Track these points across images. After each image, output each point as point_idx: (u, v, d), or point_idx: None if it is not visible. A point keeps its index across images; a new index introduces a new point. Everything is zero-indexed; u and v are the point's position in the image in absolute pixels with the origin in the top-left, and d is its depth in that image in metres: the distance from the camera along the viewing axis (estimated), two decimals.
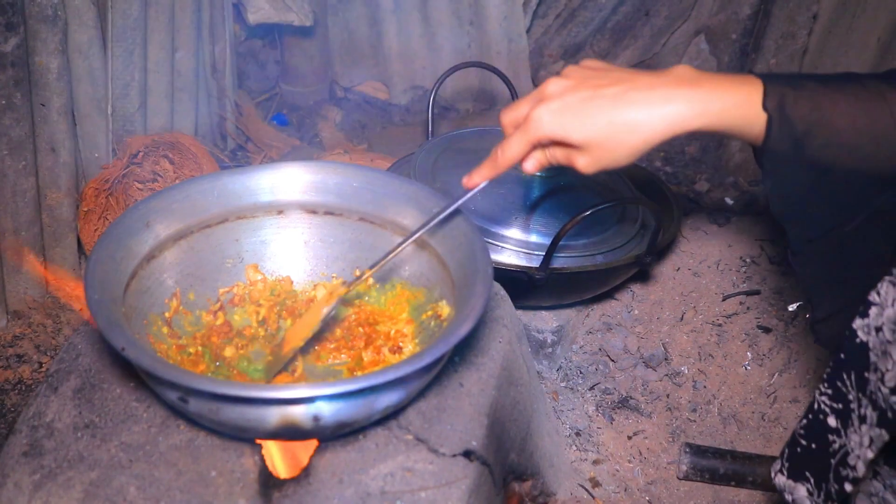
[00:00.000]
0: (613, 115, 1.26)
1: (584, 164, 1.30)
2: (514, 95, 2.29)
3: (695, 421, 1.97)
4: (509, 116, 1.37)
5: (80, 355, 1.48)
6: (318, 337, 1.50)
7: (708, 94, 1.24)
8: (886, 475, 1.38)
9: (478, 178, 1.41)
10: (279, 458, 1.32)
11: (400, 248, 1.42)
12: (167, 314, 1.48)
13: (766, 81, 1.26)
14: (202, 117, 2.54)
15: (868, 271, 1.32)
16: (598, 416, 1.97)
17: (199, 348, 1.46)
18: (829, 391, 1.34)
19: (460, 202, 1.43)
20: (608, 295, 2.18)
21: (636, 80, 1.27)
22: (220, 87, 2.67)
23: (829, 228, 1.35)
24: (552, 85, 1.30)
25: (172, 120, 2.38)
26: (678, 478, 1.87)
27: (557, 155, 1.33)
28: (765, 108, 1.25)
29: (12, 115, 1.93)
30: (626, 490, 1.84)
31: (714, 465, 1.84)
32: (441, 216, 1.43)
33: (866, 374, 1.25)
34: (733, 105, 1.24)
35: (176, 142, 2.20)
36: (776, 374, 2.03)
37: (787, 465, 1.42)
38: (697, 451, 1.85)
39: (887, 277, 1.22)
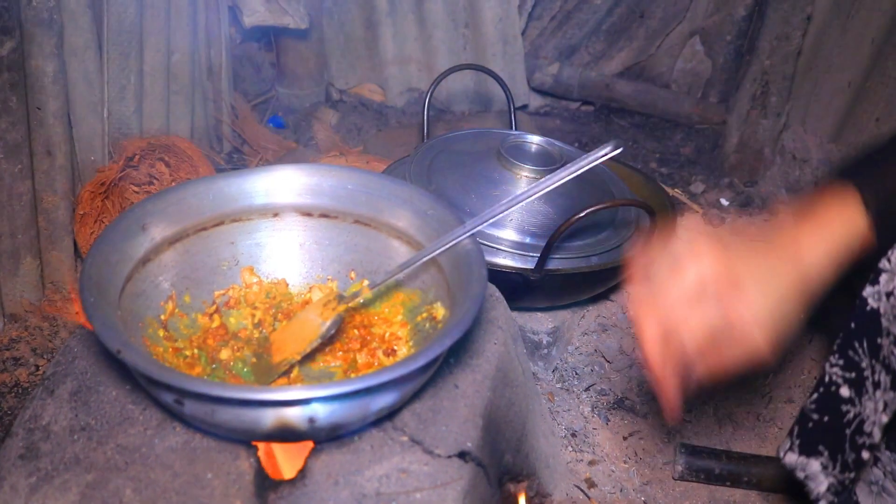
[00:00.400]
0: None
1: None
2: (509, 97, 2.30)
3: (690, 421, 1.98)
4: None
5: (76, 358, 1.48)
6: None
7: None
8: (888, 461, 1.39)
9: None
10: (275, 460, 1.33)
11: (403, 270, 1.43)
12: (163, 317, 1.49)
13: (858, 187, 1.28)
14: (198, 120, 2.55)
15: None
16: (593, 416, 1.98)
17: (195, 351, 1.47)
18: (841, 361, 1.36)
19: (474, 229, 1.41)
20: (603, 296, 2.18)
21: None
22: (216, 89, 2.67)
23: None
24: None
25: (168, 123, 2.38)
26: (674, 478, 1.87)
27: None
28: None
29: (8, 119, 1.93)
30: (621, 490, 1.85)
31: (709, 465, 1.85)
32: (453, 241, 1.42)
33: (879, 340, 1.27)
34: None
35: (172, 145, 2.20)
36: (771, 375, 2.04)
37: (797, 441, 1.43)
38: (693, 451, 1.86)
39: None
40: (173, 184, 2.10)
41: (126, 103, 2.22)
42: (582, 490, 1.83)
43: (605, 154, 1.35)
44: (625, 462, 1.90)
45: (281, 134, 2.92)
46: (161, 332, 1.47)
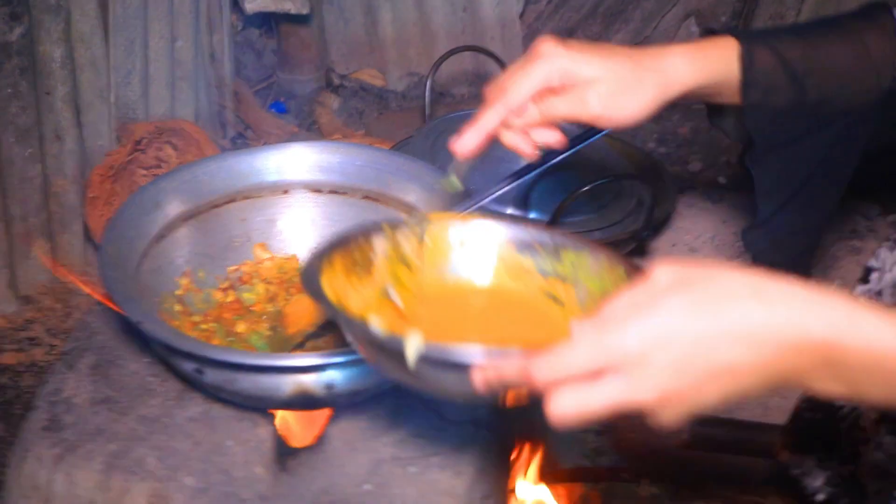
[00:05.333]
0: (634, 56, 1.22)
1: (596, 97, 1.19)
2: None
3: None
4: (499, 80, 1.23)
5: (94, 333, 1.51)
6: None
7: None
8: (889, 446, 1.41)
9: (474, 137, 1.21)
10: (293, 427, 1.36)
11: None
12: (178, 292, 1.52)
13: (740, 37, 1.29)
14: (202, 105, 2.57)
15: (815, 180, 1.36)
16: None
17: (212, 325, 1.50)
18: None
19: (480, 203, 1.37)
20: None
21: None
22: (219, 75, 2.69)
23: (793, 140, 1.37)
24: (544, 40, 1.21)
25: (173, 108, 2.41)
26: (680, 446, 1.90)
27: (560, 107, 1.20)
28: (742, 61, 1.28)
29: (18, 104, 1.96)
30: (629, 459, 1.88)
31: (715, 433, 1.87)
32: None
33: None
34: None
35: (179, 128, 2.23)
36: None
37: (791, 440, 1.45)
38: (698, 419, 1.88)
39: (885, 243, 1.26)
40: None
41: (132, 88, 2.24)
42: (591, 459, 1.86)
43: (601, 132, 1.37)
44: (632, 432, 1.93)
45: (283, 119, 2.94)
46: (177, 307, 1.50)
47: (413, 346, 0.94)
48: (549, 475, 1.76)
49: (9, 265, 2.06)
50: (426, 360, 0.94)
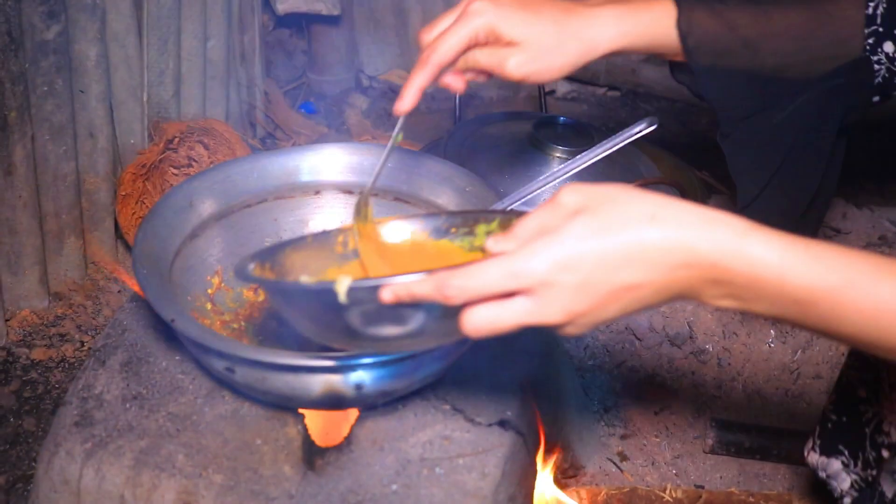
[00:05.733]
0: (560, 18, 1.26)
1: (515, 64, 1.25)
2: None
3: (720, 397, 2.01)
4: (431, 30, 1.29)
5: (125, 331, 1.53)
6: None
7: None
8: None
9: (411, 95, 1.28)
10: (322, 427, 1.37)
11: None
12: (210, 291, 1.53)
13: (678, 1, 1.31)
14: (232, 105, 2.59)
15: (792, 157, 1.36)
16: (625, 392, 2.01)
17: (242, 324, 1.51)
18: (857, 363, 1.37)
19: (511, 205, 1.41)
20: None
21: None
22: (250, 75, 2.71)
23: (758, 110, 1.37)
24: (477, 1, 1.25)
25: (205, 107, 2.43)
26: (704, 451, 1.90)
27: (481, 59, 1.26)
28: (678, 26, 1.30)
29: (54, 101, 1.98)
30: (653, 464, 1.88)
31: (739, 438, 1.88)
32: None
33: None
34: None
35: (210, 128, 2.24)
36: (799, 352, 2.06)
37: (818, 442, 1.45)
38: (723, 425, 1.89)
39: None
40: (211, 166, 2.14)
41: (165, 87, 2.26)
42: (615, 463, 1.87)
43: (640, 131, 1.37)
44: (656, 436, 1.94)
45: (312, 119, 2.95)
46: (209, 306, 1.51)
47: (343, 285, 0.97)
48: (572, 477, 1.78)
49: (41, 261, 2.08)
50: (356, 296, 0.97)
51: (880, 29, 1.29)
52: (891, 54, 1.29)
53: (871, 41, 1.29)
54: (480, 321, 0.93)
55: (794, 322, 0.94)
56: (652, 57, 3.37)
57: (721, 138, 1.42)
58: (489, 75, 1.30)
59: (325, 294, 0.97)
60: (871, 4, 1.29)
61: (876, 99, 1.35)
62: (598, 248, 0.90)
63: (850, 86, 1.33)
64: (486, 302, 0.92)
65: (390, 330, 1.01)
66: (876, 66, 1.30)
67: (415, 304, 0.96)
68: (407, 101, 1.28)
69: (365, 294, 0.96)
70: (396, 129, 1.34)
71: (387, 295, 0.94)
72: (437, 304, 0.94)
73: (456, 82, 1.29)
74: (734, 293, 0.92)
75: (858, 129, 1.46)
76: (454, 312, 0.94)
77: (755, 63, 1.33)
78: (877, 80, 1.31)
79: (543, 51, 1.25)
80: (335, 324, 1.02)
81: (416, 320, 0.99)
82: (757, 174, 1.44)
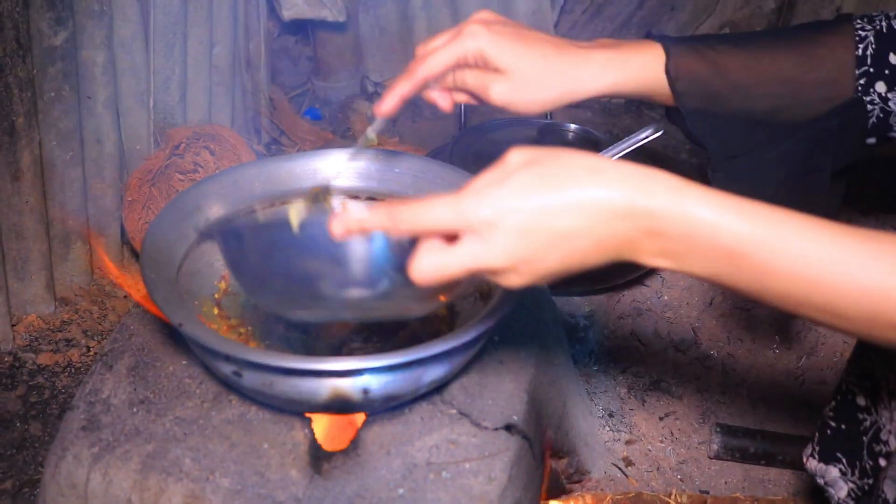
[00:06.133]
0: (550, 55, 1.27)
1: (497, 91, 1.27)
2: None
3: (725, 402, 2.01)
4: (426, 45, 1.33)
5: (132, 335, 1.53)
6: None
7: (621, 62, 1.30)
8: None
9: (391, 100, 1.31)
10: (328, 431, 1.37)
11: None
12: (217, 295, 1.54)
13: (667, 46, 1.32)
14: (238, 111, 2.59)
15: (783, 195, 1.37)
16: (630, 398, 2.02)
17: (249, 328, 1.52)
18: (857, 371, 1.38)
19: None
20: (638, 281, 2.22)
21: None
22: (255, 82, 2.72)
23: (750, 150, 1.37)
24: (482, 13, 1.29)
25: (210, 114, 2.43)
26: (709, 457, 1.91)
27: (468, 80, 1.29)
28: (667, 72, 1.31)
29: (61, 107, 1.99)
30: (658, 469, 1.89)
31: (744, 444, 1.88)
32: None
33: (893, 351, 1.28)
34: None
35: (216, 133, 2.25)
36: (804, 357, 2.07)
37: (817, 448, 1.46)
38: (728, 430, 1.89)
39: None
40: (218, 171, 2.15)
41: (171, 94, 2.27)
42: (620, 468, 1.87)
43: (646, 137, 1.38)
44: (661, 441, 1.94)
45: (318, 125, 2.96)
46: (215, 311, 1.51)
47: (296, 211, 1.00)
48: (577, 483, 1.78)
49: (47, 267, 2.09)
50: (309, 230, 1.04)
51: (871, 69, 1.29)
52: (883, 94, 1.29)
53: (862, 82, 1.30)
54: (427, 266, 0.97)
55: (728, 284, 0.96)
56: None
57: (712, 174, 1.42)
58: (478, 99, 1.33)
59: (278, 229, 1.00)
60: (861, 46, 1.29)
61: (872, 141, 1.35)
62: (541, 195, 0.94)
63: (844, 127, 1.33)
64: (429, 239, 0.98)
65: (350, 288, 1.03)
66: (869, 107, 1.30)
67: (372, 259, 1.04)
68: (386, 105, 1.31)
69: (317, 228, 0.98)
70: (369, 130, 1.37)
71: (337, 227, 1.00)
72: (388, 261, 1.03)
73: (442, 100, 1.33)
74: (669, 248, 0.95)
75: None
76: (401, 268, 1.00)
77: (746, 106, 1.34)
78: (871, 121, 1.31)
79: (527, 83, 1.27)
80: (295, 274, 1.03)
81: (370, 275, 1.06)
82: None
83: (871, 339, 0.97)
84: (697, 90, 1.31)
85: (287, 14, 2.77)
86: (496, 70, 1.27)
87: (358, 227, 1.01)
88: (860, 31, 1.30)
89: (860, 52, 1.29)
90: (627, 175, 0.94)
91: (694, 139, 1.38)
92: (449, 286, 1.04)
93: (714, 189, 0.95)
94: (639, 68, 1.31)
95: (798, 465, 1.85)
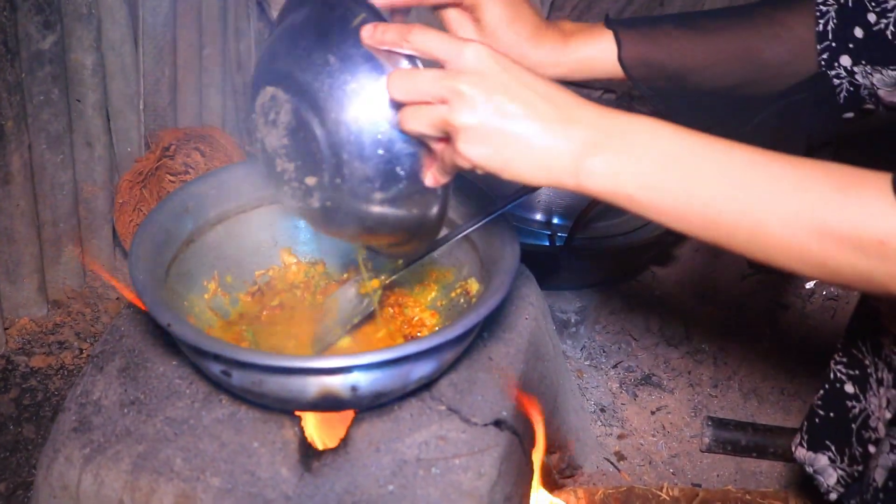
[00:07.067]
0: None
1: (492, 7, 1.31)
2: None
3: (716, 396, 2.02)
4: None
5: (123, 337, 1.53)
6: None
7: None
8: None
9: None
10: (318, 429, 1.38)
11: (439, 247, 1.46)
12: (207, 296, 1.54)
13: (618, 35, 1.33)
14: (229, 112, 2.59)
15: None
16: (621, 392, 2.02)
17: (243, 327, 1.52)
18: (845, 359, 1.39)
19: (506, 207, 1.43)
20: (630, 276, 2.22)
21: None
22: (245, 83, 2.72)
23: (719, 123, 1.38)
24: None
25: (201, 115, 2.43)
26: (701, 450, 1.91)
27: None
28: (620, 60, 1.33)
29: (50, 111, 1.99)
30: (650, 463, 1.89)
31: (736, 437, 1.89)
32: (487, 219, 1.43)
33: (880, 339, 1.29)
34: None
35: (207, 134, 2.25)
36: (794, 350, 2.08)
37: (806, 437, 1.47)
38: (719, 423, 1.90)
39: None
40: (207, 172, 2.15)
41: (161, 95, 2.27)
42: (612, 463, 1.88)
43: None
44: (653, 435, 1.95)
45: None
46: (206, 311, 1.52)
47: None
48: (569, 477, 1.78)
49: (39, 270, 2.09)
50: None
51: (833, 44, 1.29)
52: (849, 67, 1.29)
53: (825, 56, 1.30)
54: (402, 73, 1.10)
55: (656, 193, 1.01)
56: None
57: None
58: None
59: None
60: (822, 21, 1.29)
61: (849, 115, 1.35)
62: (514, 71, 1.06)
63: (813, 100, 1.33)
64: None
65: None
66: (836, 81, 1.30)
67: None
68: None
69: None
70: None
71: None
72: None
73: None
74: (607, 148, 1.02)
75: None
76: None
77: (706, 84, 1.35)
78: (842, 95, 1.31)
79: (514, 13, 1.31)
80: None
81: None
82: None
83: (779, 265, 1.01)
84: (653, 74, 1.32)
85: (276, 15, 2.77)
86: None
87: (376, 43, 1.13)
88: (821, 6, 1.29)
89: (821, 27, 1.29)
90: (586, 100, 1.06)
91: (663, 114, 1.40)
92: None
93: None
94: (592, 57, 1.33)
95: (790, 458, 1.86)
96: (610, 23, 1.34)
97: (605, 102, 3.27)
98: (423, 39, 1.09)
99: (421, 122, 1.09)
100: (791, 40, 1.31)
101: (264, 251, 1.64)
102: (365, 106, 1.14)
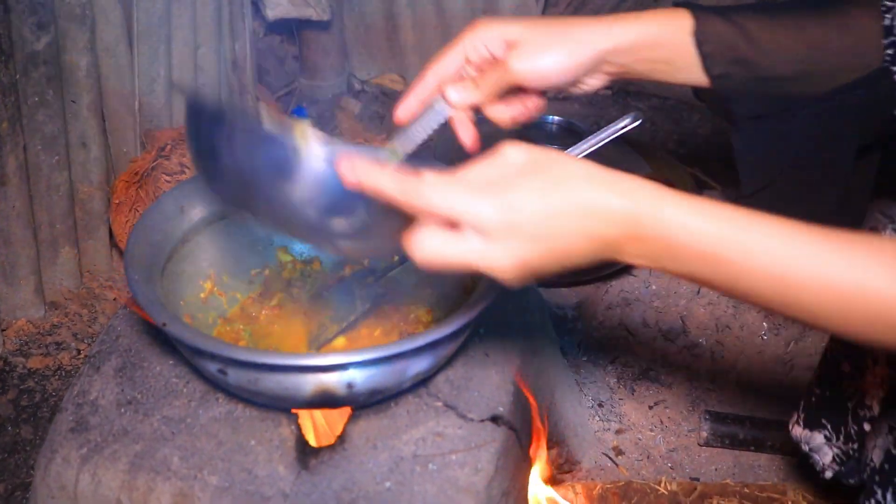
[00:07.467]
0: (552, 20, 1.29)
1: (519, 57, 1.26)
2: None
3: (714, 390, 2.02)
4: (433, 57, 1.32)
5: (119, 337, 1.54)
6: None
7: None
8: None
9: (411, 104, 1.32)
10: (315, 427, 1.38)
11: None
12: (202, 295, 1.54)
13: (694, 10, 1.30)
14: None
15: (805, 160, 1.38)
16: (619, 387, 2.02)
17: (240, 326, 1.52)
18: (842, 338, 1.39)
19: None
20: (626, 271, 2.22)
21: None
22: (241, 82, 2.72)
23: (778, 112, 1.38)
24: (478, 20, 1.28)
25: None
26: (699, 444, 1.91)
27: (488, 73, 1.29)
28: (695, 34, 1.29)
29: (45, 112, 1.99)
30: (648, 457, 1.89)
31: (734, 430, 1.89)
32: None
33: None
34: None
35: None
36: (792, 343, 2.07)
37: (802, 416, 1.48)
38: (717, 417, 1.90)
39: (890, 224, 1.28)
40: None
41: (156, 96, 2.27)
42: (610, 457, 1.88)
43: (625, 126, 1.38)
44: (651, 430, 1.95)
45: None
46: (202, 310, 1.52)
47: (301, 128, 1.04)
48: (567, 473, 1.78)
49: (35, 271, 2.09)
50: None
51: None
52: None
53: (890, 52, 1.29)
54: (431, 250, 1.01)
55: (707, 283, 1.01)
56: None
57: (734, 134, 1.43)
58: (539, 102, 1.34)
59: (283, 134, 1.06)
60: (889, 16, 1.29)
61: None
62: (548, 203, 0.98)
63: (870, 97, 1.33)
64: (433, 224, 1.01)
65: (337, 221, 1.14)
66: None
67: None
68: (403, 111, 1.32)
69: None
70: (395, 144, 1.36)
71: (348, 173, 1.06)
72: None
73: (466, 133, 1.34)
74: (649, 250, 1.00)
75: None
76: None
77: (771, 71, 1.33)
78: None
79: (543, 44, 1.26)
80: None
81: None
82: (762, 171, 1.45)
83: (848, 337, 1.00)
84: (724, 53, 1.30)
85: (272, 14, 2.78)
86: (509, 46, 1.27)
87: (370, 184, 1.04)
88: (887, 2, 1.29)
89: (887, 21, 1.29)
90: (616, 182, 1.00)
91: (717, 109, 1.39)
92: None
93: (691, 195, 1.00)
94: (648, 25, 1.29)
95: (788, 451, 1.86)
96: (681, 3, 1.32)
97: (601, 98, 3.28)
98: (432, 199, 1.00)
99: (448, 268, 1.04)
100: (858, 32, 1.30)
101: (260, 250, 1.64)
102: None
